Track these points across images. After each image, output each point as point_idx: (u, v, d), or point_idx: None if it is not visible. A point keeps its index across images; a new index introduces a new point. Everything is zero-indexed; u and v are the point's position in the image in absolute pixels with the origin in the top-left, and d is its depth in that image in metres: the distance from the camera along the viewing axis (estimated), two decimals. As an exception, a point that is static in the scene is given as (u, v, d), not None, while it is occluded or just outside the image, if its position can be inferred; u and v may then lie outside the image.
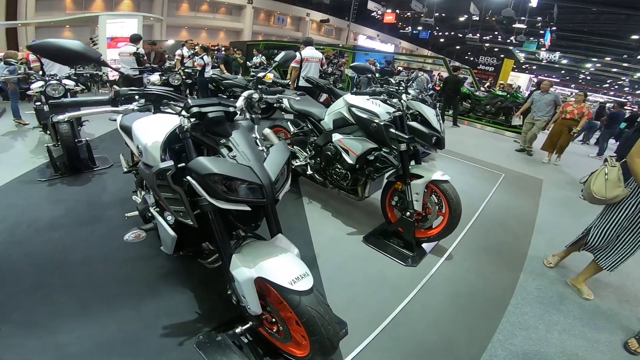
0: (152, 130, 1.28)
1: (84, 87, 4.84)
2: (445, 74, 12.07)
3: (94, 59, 1.04)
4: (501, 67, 18.65)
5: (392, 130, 2.47)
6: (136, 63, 5.96)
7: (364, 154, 2.58)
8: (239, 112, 1.24)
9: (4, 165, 3.52)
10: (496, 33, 27.45)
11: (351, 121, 2.70)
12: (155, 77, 4.51)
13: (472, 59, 33.64)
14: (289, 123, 3.29)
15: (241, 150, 1.16)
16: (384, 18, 22.82)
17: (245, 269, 1.16)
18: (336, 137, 2.76)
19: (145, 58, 6.59)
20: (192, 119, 1.14)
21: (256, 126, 1.34)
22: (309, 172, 3.09)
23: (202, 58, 6.64)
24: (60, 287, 1.86)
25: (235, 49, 10.70)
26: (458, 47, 35.46)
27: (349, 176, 2.77)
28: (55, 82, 4.07)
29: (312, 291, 1.17)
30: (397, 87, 3.00)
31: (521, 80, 26.46)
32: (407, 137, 2.45)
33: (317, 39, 29.67)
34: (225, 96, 7.57)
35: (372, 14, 23.21)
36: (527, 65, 32.27)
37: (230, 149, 1.17)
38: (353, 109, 2.68)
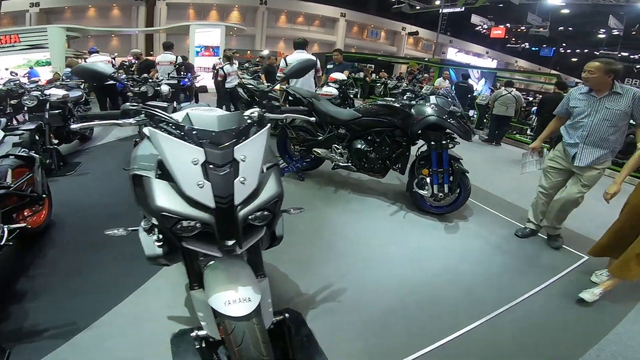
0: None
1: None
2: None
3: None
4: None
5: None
6: (175, 72, 5.99)
7: None
8: None
9: None
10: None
11: None
12: (165, 89, 4.47)
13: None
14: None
15: None
16: (491, 33, 20.05)
17: None
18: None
19: (184, 67, 6.72)
20: None
21: None
22: None
23: (222, 68, 6.44)
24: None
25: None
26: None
27: None
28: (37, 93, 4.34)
29: None
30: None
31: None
32: None
33: (413, 54, 28.12)
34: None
35: (477, 29, 20.64)
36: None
37: None
38: None
